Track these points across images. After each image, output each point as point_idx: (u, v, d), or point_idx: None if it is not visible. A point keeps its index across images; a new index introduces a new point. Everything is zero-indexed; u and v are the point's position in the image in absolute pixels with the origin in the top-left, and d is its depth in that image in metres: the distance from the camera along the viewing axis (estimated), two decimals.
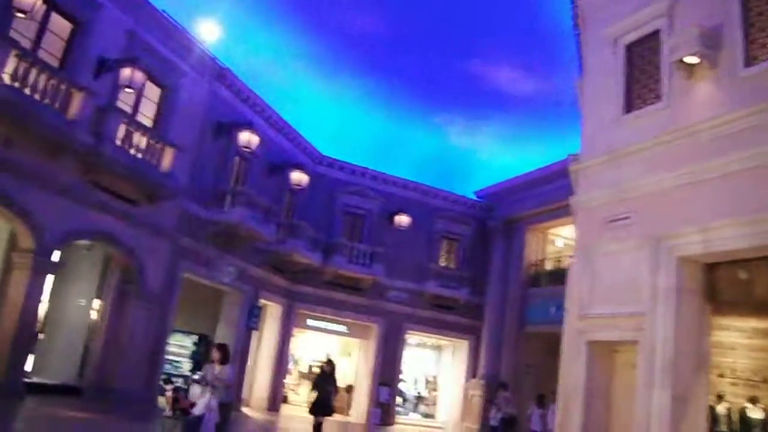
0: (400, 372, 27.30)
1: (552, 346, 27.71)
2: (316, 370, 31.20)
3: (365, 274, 25.77)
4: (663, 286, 10.09)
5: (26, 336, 14.59)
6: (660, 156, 10.82)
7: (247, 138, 20.05)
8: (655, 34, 11.86)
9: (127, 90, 15.85)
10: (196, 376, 11.77)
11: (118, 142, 15.91)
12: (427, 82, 37.62)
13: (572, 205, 12.26)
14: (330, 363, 16.04)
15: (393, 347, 26.93)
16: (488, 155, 39.13)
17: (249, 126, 20.36)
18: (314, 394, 15.53)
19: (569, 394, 11.31)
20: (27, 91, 13.58)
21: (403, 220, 26.37)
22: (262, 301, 23.50)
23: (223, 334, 22.12)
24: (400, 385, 27.97)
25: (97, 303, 17.51)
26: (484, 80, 37.78)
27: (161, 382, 12.15)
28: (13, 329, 14.19)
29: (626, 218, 11.06)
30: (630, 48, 12.38)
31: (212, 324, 22.67)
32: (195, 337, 22.90)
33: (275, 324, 24.76)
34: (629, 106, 11.94)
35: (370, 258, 25.90)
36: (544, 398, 21.69)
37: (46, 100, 14.03)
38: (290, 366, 27.68)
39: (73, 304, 17.85)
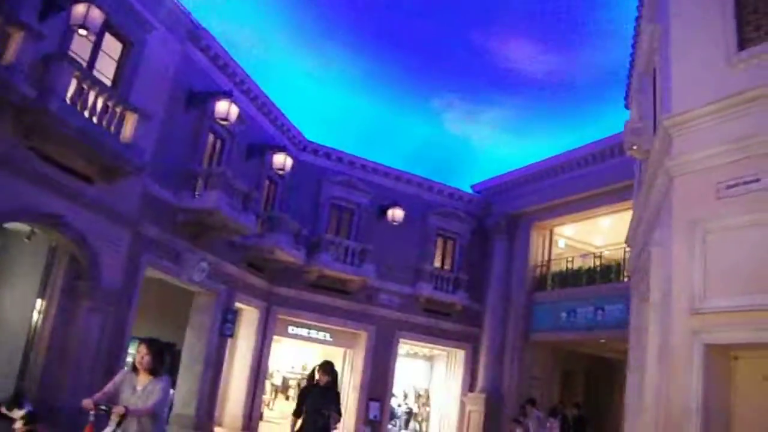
0: (391, 385, 24.20)
1: (561, 356, 25.09)
2: (293, 382, 28.15)
3: (354, 275, 22.70)
4: None
5: None
6: None
7: (225, 108, 16.92)
8: None
9: (80, 32, 12.61)
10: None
11: (68, 100, 12.69)
12: (425, 58, 33.77)
13: (667, 169, 9.36)
14: (326, 369, 9.79)
15: (383, 357, 23.87)
16: (487, 145, 35.64)
17: (228, 95, 17.24)
18: (297, 420, 9.62)
19: (679, 418, 8.33)
20: None
21: (397, 214, 23.37)
22: (238, 305, 20.31)
23: (192, 342, 18.98)
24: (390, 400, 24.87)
25: (39, 303, 14.16)
26: (488, 56, 33.70)
27: (3, 407, 7.30)
28: None
29: (755, 180, 8.22)
30: None
31: (179, 331, 19.43)
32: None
33: (252, 331, 21.52)
34: (743, 43, 9.12)
35: (359, 257, 22.85)
36: (557, 410, 19.47)
37: None
38: None
39: (10, 305, 14.49)
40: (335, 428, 9.89)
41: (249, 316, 21.56)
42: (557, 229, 25.90)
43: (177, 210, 16.88)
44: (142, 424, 6.15)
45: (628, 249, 21.92)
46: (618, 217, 23.27)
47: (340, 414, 9.89)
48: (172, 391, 18.91)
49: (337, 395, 10.07)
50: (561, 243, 26.50)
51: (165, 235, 16.62)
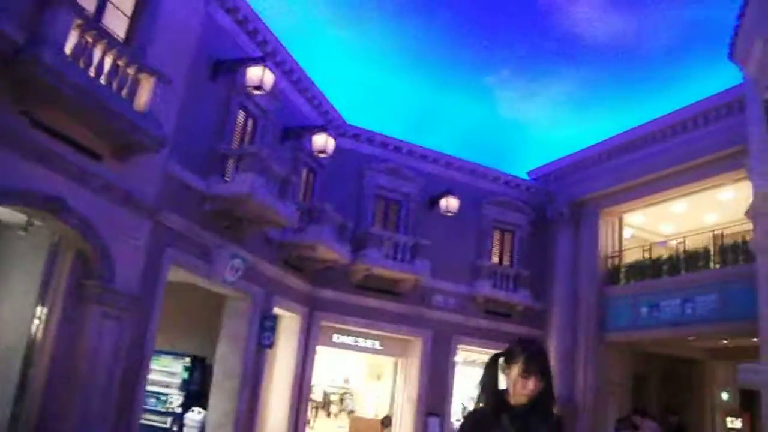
0: (450, 397, 21.36)
1: (642, 357, 22.14)
2: (335, 397, 25.33)
3: (406, 273, 19.92)
4: None
5: None
6: None
7: (258, 76, 14.27)
8: None
9: None
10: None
11: (68, 53, 10.09)
12: (475, 27, 30.10)
13: None
14: (533, 361, 3.69)
15: (441, 366, 21.09)
16: (544, 127, 31.87)
17: (261, 60, 14.60)
18: None
19: None
20: None
21: (451, 203, 20.61)
22: (276, 310, 17.62)
23: (225, 354, 16.31)
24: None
25: (39, 310, 11.51)
26: (546, 21, 30.17)
27: None
28: None
29: None
30: None
31: (210, 341, 16.81)
32: (187, 360, 17.09)
33: (292, 340, 18.78)
34: None
35: (411, 253, 20.10)
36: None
37: None
38: None
39: (5, 312, 11.88)
40: None
41: (289, 324, 18.86)
42: (626, 217, 23.10)
43: (204, 197, 14.25)
44: None
45: (718, 231, 19.43)
46: (696, 200, 20.82)
47: None
48: (202, 413, 16.34)
49: (560, 422, 3.90)
50: (626, 233, 23.79)
51: (191, 227, 13.98)
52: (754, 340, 20.62)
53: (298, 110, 18.33)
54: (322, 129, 17.39)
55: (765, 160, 12.58)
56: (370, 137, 21.09)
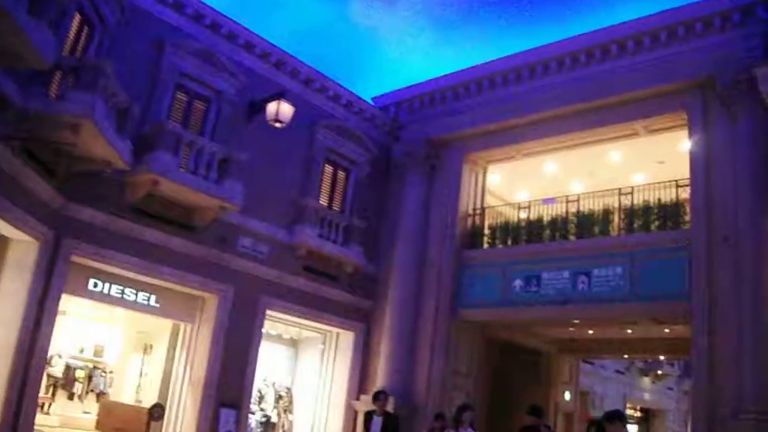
0: (251, 382, 15.38)
1: (506, 342, 18.77)
2: (82, 372, 18.15)
3: (210, 196, 13.67)
4: None
5: None
6: None
7: None
8: None
9: None
10: None
11: None
12: None
13: None
14: None
15: (242, 337, 15.06)
16: (403, 44, 25.90)
17: None
18: None
19: None
20: None
21: (284, 110, 14.68)
22: None
23: None
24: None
25: None
26: None
27: None
28: None
29: None
30: None
31: None
32: None
33: (21, 279, 11.69)
34: None
35: (218, 169, 13.90)
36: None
37: None
38: None
39: None
40: None
41: (18, 252, 11.79)
42: (492, 167, 18.48)
43: None
44: None
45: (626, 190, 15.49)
46: (575, 157, 17.05)
47: None
48: None
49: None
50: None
51: None
52: (629, 331, 17.42)
53: None
54: None
55: None
56: (181, 1, 14.51)
